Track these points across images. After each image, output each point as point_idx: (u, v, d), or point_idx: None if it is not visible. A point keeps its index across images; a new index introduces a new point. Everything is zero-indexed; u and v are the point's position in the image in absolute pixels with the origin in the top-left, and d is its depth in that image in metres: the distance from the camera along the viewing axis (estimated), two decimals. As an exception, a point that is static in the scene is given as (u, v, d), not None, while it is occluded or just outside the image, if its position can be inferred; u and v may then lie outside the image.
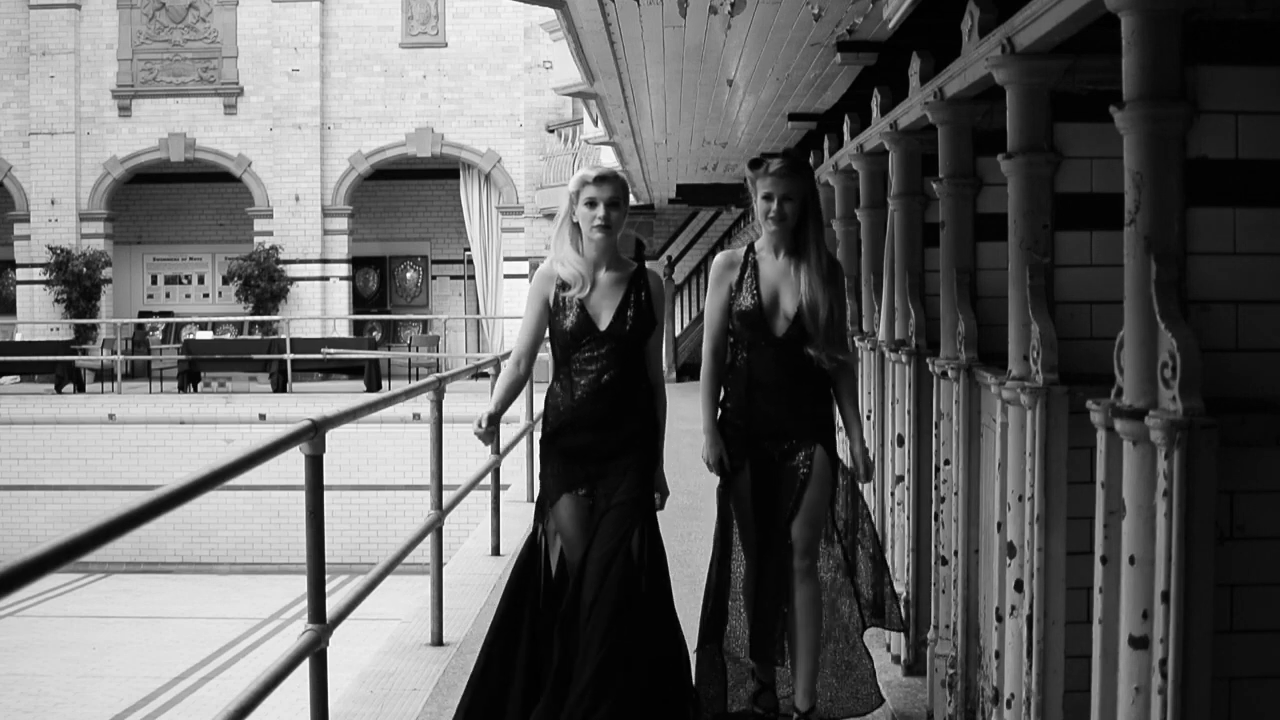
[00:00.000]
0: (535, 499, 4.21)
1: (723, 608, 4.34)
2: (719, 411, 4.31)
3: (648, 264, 4.18)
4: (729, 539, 4.33)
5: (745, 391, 4.24)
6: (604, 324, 4.07)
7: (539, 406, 5.20)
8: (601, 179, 4.08)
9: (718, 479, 4.34)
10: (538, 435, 4.71)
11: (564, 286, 4.10)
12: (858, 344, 6.04)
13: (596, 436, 4.06)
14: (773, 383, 4.21)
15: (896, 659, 5.09)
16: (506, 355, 8.12)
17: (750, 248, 4.32)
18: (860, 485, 4.39)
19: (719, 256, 4.37)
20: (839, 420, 4.36)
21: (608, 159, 15.62)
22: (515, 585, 4.15)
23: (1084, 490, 3.14)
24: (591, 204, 4.07)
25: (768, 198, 4.17)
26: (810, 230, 4.21)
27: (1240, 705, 2.55)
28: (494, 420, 4.10)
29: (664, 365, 4.04)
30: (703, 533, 4.09)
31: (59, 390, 19.73)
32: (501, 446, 7.25)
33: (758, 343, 4.22)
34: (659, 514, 4.19)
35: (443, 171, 24.26)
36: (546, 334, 4.19)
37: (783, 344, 4.21)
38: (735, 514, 4.29)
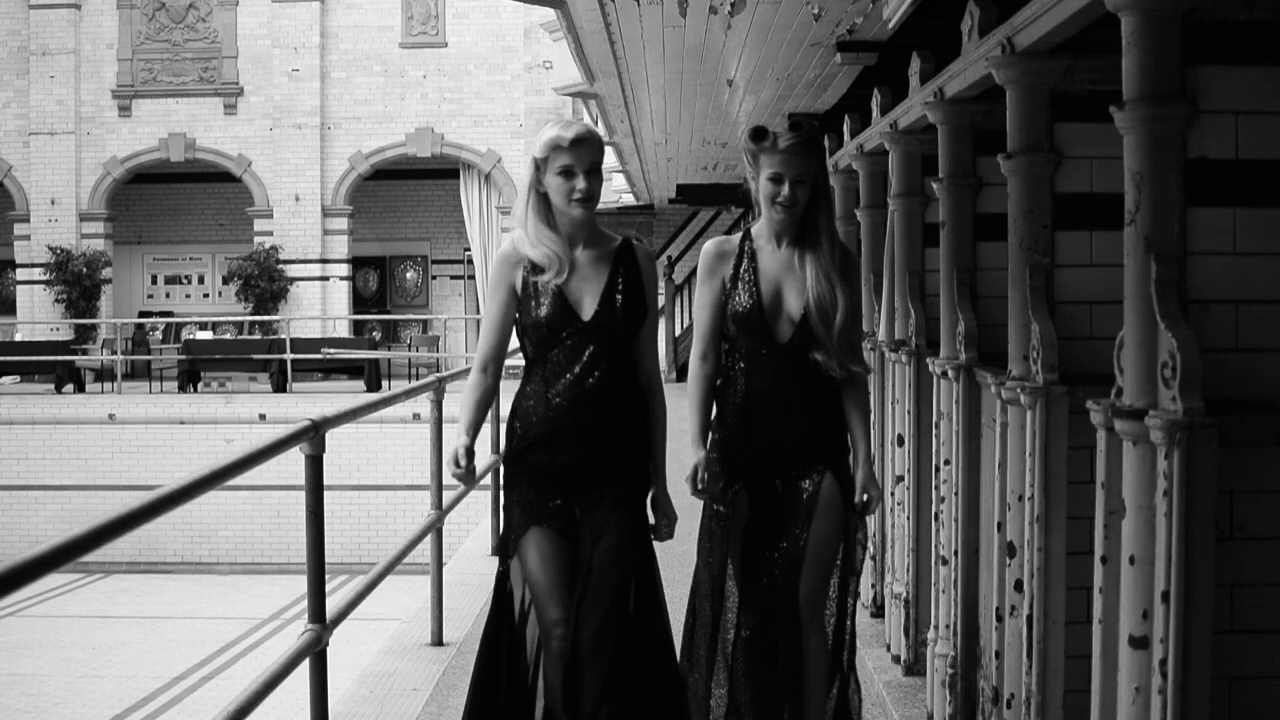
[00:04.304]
0: (499, 536, 3.52)
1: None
2: (709, 433, 3.65)
3: (635, 241, 3.55)
4: (712, 579, 3.62)
5: (742, 409, 3.56)
6: (587, 313, 3.35)
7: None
8: (579, 141, 3.32)
9: (709, 503, 3.65)
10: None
11: (534, 270, 3.38)
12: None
13: (579, 455, 3.34)
14: (775, 399, 3.54)
15: (896, 659, 5.09)
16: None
17: (747, 234, 3.65)
18: (863, 520, 3.71)
19: (709, 245, 3.66)
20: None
21: (608, 159, 15.60)
22: (485, 655, 3.46)
23: (1084, 490, 3.14)
24: (567, 173, 3.32)
25: (775, 179, 3.47)
26: (821, 215, 3.55)
27: (1240, 705, 2.55)
28: (472, 452, 3.33)
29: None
30: (703, 532, 3.95)
31: (59, 390, 19.72)
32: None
33: (757, 351, 3.55)
34: (665, 542, 3.57)
35: (443, 171, 24.24)
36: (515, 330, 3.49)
37: (786, 352, 3.53)
38: (729, 555, 3.59)
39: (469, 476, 3.33)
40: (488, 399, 3.46)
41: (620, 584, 3.29)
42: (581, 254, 3.41)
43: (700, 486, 3.59)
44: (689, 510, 3.70)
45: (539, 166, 3.36)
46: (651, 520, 3.52)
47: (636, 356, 3.47)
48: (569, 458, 3.35)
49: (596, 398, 3.34)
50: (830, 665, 3.65)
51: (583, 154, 3.32)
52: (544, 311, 3.35)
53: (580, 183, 3.32)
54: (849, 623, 3.69)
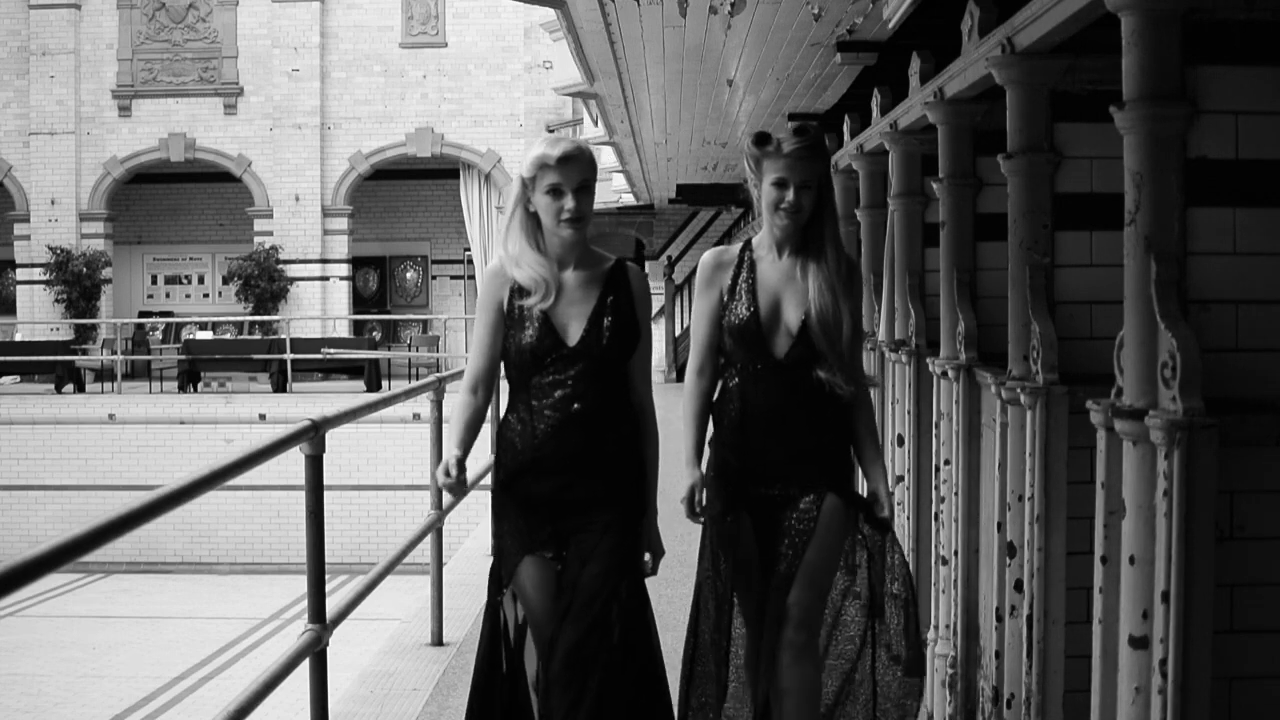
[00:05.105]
0: (492, 566, 3.41)
1: (712, 678, 3.44)
2: (706, 449, 3.50)
3: (629, 261, 3.44)
4: (718, 601, 3.40)
5: (739, 426, 3.39)
6: (573, 338, 3.22)
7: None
8: (567, 159, 3.18)
9: (709, 524, 3.45)
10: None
11: (520, 292, 3.25)
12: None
13: (564, 482, 3.21)
14: (772, 414, 3.36)
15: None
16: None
17: (747, 244, 3.49)
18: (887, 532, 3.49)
19: (707, 255, 3.50)
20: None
21: (608, 159, 15.60)
22: (480, 687, 3.35)
23: (1084, 490, 3.14)
24: (556, 192, 3.19)
25: (780, 184, 3.32)
26: (825, 224, 3.38)
27: (1240, 705, 2.55)
28: (463, 465, 3.23)
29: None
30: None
31: (59, 390, 19.72)
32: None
33: (753, 366, 3.38)
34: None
35: (443, 171, 24.24)
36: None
37: (784, 367, 3.35)
38: (733, 578, 3.39)
39: (459, 487, 3.23)
40: (478, 420, 3.34)
41: (601, 612, 3.15)
42: (571, 276, 3.27)
43: (697, 510, 3.43)
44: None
45: (527, 185, 3.24)
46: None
47: (628, 382, 3.33)
48: (555, 485, 3.22)
49: (582, 425, 3.21)
50: (835, 701, 3.47)
51: (571, 172, 3.18)
52: (528, 337, 3.22)
53: (569, 202, 3.19)
54: (873, 662, 3.47)
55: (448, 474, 3.20)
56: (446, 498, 5.72)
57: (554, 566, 3.23)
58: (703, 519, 3.45)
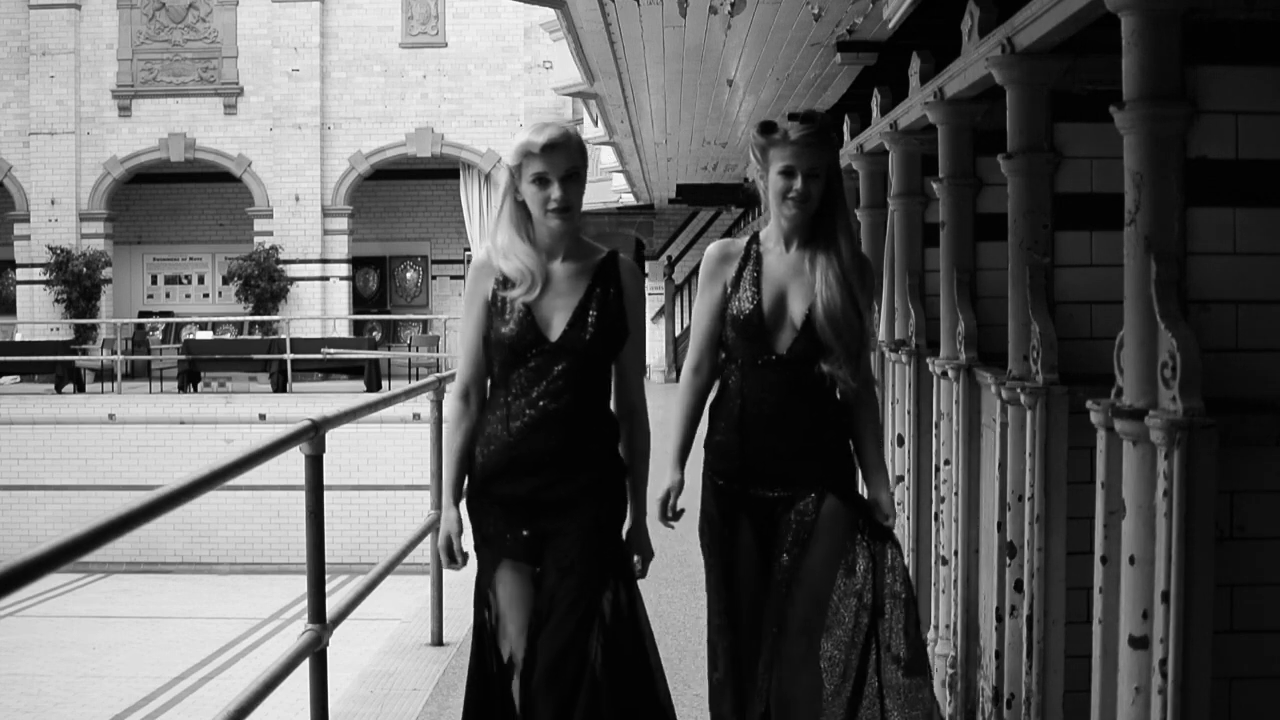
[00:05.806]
0: (475, 581, 3.22)
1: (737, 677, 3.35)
2: (693, 448, 3.38)
3: (621, 255, 3.23)
4: (725, 609, 3.33)
5: (737, 424, 3.26)
6: (555, 332, 3.06)
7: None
8: (552, 146, 2.99)
9: (707, 530, 3.37)
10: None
11: (506, 283, 3.09)
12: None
13: (542, 482, 3.05)
14: (773, 412, 3.23)
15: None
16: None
17: (754, 237, 3.36)
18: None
19: (712, 247, 3.37)
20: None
21: (607, 159, 15.59)
22: (474, 702, 3.18)
23: (1084, 490, 3.14)
24: (542, 181, 3.02)
25: (787, 173, 3.18)
26: (836, 215, 3.25)
27: (1240, 705, 2.55)
28: (462, 526, 3.11)
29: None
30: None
31: (59, 390, 19.72)
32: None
33: (754, 361, 3.25)
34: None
35: (443, 171, 24.25)
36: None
37: (786, 363, 3.23)
38: (736, 586, 3.30)
39: (465, 563, 3.16)
40: (473, 435, 3.16)
41: (581, 624, 3.00)
42: (559, 268, 3.10)
43: (671, 515, 3.33)
44: (685, 494, 3.53)
45: (514, 175, 3.07)
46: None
47: (615, 382, 3.17)
48: (532, 485, 3.06)
49: (561, 424, 3.04)
50: (852, 698, 3.34)
51: (557, 160, 3.00)
52: (509, 330, 3.06)
53: (555, 191, 3.01)
54: (875, 672, 3.35)
55: (453, 559, 3.17)
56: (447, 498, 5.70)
57: (531, 572, 3.08)
58: (674, 524, 3.35)
